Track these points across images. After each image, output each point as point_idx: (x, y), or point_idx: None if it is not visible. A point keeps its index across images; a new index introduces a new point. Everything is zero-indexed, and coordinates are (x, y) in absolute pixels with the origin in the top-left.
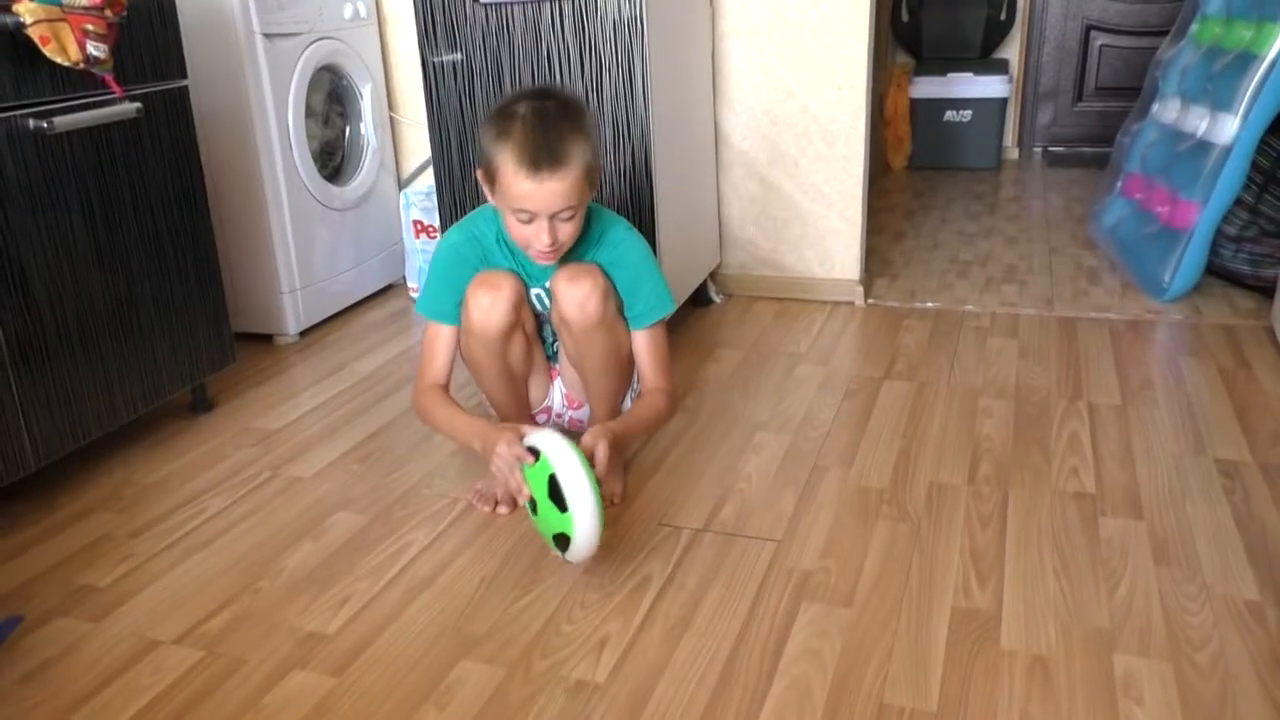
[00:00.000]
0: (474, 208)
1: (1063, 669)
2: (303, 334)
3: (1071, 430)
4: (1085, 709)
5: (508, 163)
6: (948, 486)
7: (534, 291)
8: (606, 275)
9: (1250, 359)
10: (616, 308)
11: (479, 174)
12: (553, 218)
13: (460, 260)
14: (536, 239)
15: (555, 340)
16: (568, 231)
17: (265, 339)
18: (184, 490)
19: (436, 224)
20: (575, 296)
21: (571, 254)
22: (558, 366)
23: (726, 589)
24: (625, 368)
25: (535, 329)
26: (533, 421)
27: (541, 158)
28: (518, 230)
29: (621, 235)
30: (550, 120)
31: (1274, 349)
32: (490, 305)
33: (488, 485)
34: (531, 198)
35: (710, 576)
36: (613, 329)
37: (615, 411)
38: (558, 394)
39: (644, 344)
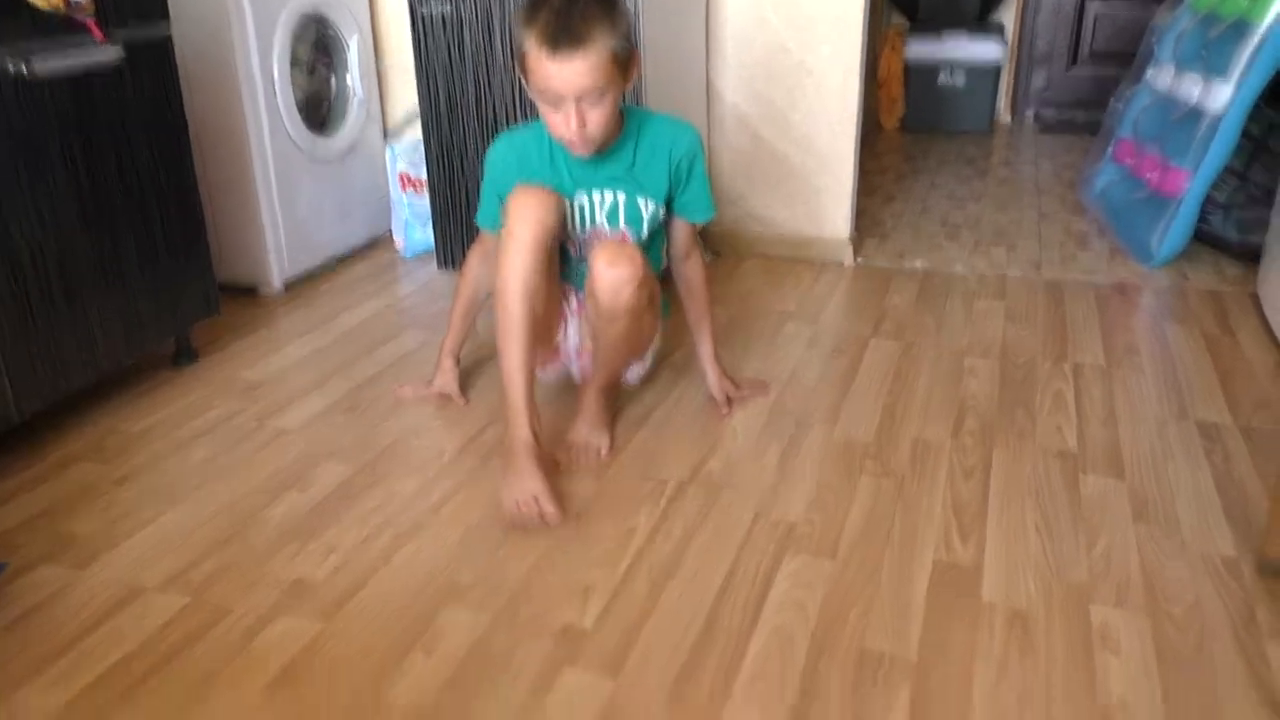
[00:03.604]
0: (461, 160)
1: (1041, 621)
2: (288, 287)
3: (1056, 390)
4: (1063, 659)
5: (531, 45)
6: (932, 443)
7: (577, 201)
8: (646, 260)
9: (1235, 325)
10: (649, 296)
11: (516, 67)
12: (579, 101)
13: (504, 166)
14: (565, 125)
15: (581, 261)
16: (595, 119)
17: (250, 291)
18: (169, 440)
19: (423, 177)
20: (611, 281)
21: (611, 154)
22: (579, 300)
23: (711, 540)
24: (640, 346)
25: (557, 257)
26: (541, 364)
27: (561, 37)
28: (550, 119)
29: (669, 124)
30: (576, 4)
31: (1259, 316)
32: (527, 216)
33: (519, 491)
34: (554, 78)
35: (696, 527)
36: (640, 317)
37: (616, 378)
38: (573, 334)
39: (683, 229)
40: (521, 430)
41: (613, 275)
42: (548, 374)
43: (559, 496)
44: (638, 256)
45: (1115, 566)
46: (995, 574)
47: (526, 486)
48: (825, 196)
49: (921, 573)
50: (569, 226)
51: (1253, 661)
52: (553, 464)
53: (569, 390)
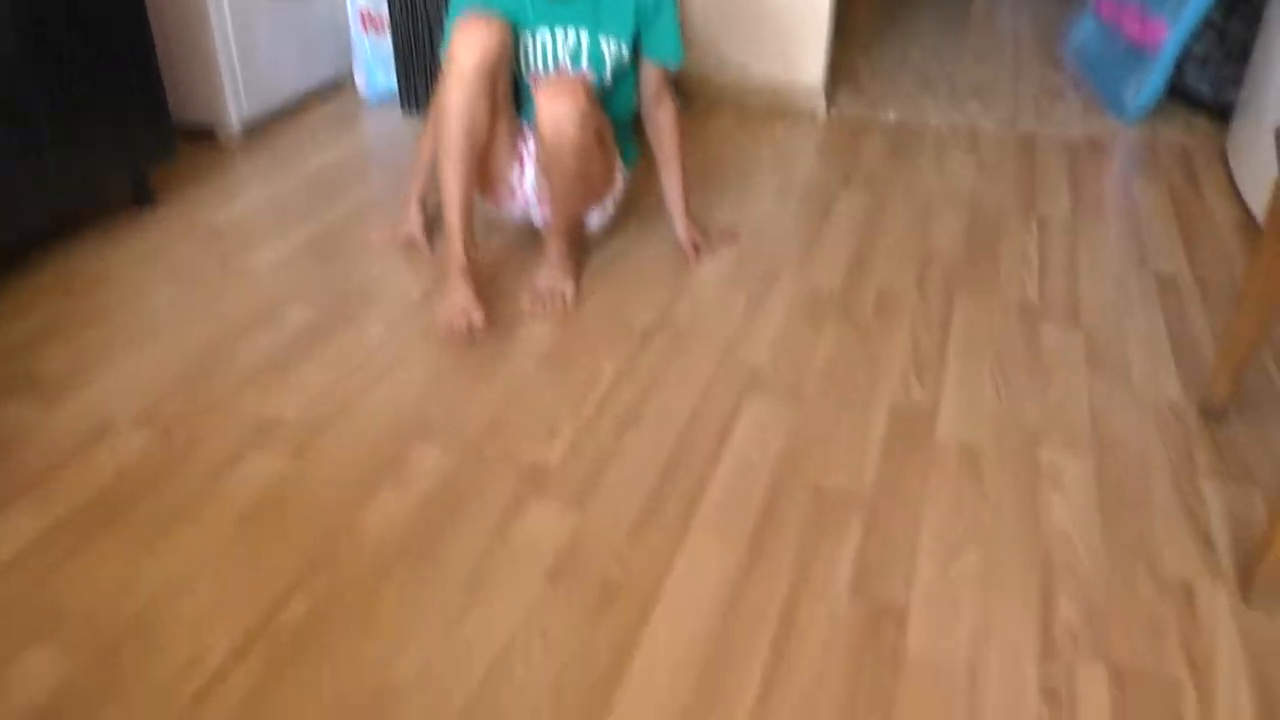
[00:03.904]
0: None
1: (992, 459)
2: (247, 130)
3: (1021, 242)
4: (1010, 495)
5: None
6: (897, 292)
7: (539, 37)
8: (592, 97)
9: (1201, 180)
10: (597, 134)
11: None
12: None
13: None
14: None
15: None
16: None
17: (208, 136)
18: (133, 281)
19: (384, 15)
20: (551, 116)
21: None
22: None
23: (677, 383)
24: (596, 189)
25: (510, 91)
26: (489, 195)
27: None
28: None
29: None
30: None
31: (1225, 172)
32: (470, 42)
33: (447, 304)
34: None
35: (661, 372)
36: (588, 157)
37: (575, 228)
38: (529, 178)
39: (653, 73)
40: (455, 250)
41: (553, 110)
42: (506, 212)
43: (491, 311)
44: (580, 92)
45: (1066, 411)
46: (950, 416)
47: (456, 300)
48: (799, 41)
49: (879, 415)
50: (531, 64)
51: (1188, 498)
52: (488, 281)
53: (534, 239)
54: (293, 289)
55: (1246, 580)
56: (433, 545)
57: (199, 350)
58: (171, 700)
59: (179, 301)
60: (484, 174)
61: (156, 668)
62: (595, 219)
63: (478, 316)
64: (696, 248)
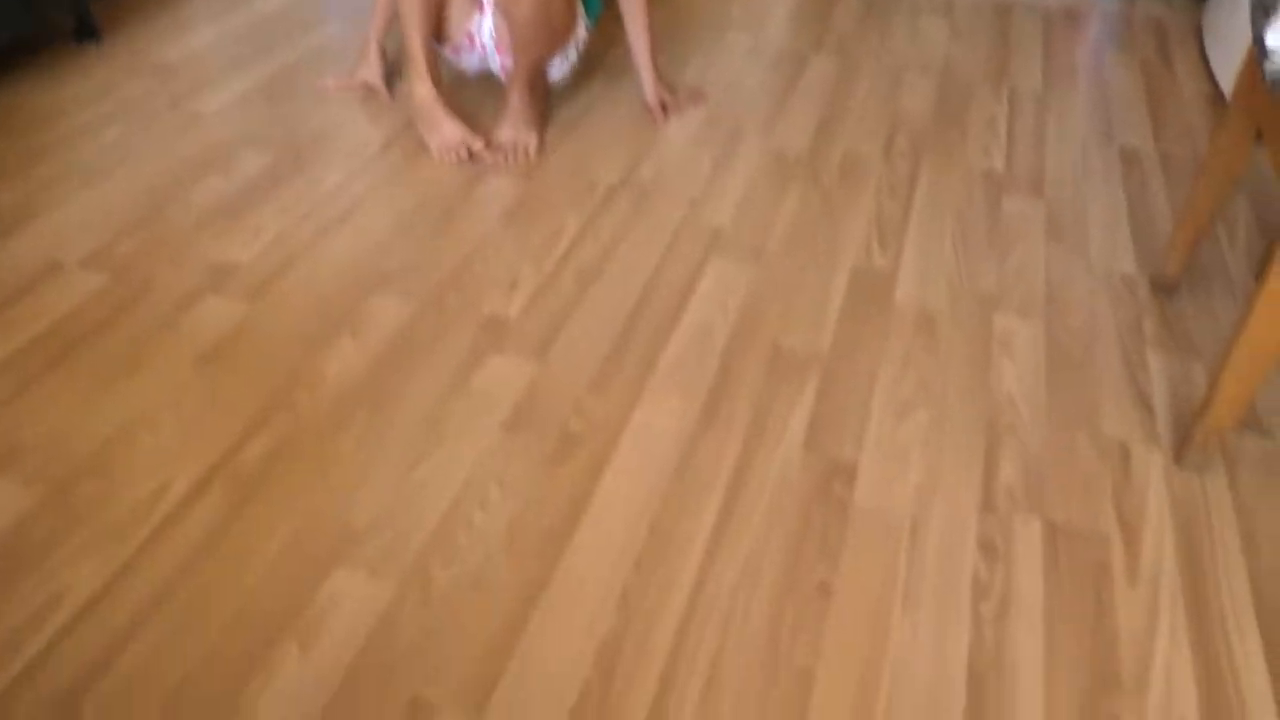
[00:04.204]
0: None
1: (947, 323)
2: None
3: (990, 111)
4: (962, 358)
5: None
6: (863, 157)
7: None
8: None
9: (1174, 55)
10: None
11: None
12: None
13: None
14: None
15: None
16: None
17: None
18: (79, 118)
19: None
20: None
21: None
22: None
23: (639, 241)
24: (556, 35)
25: None
26: (448, 43)
27: None
28: None
29: None
30: None
31: (1198, 47)
32: None
33: (440, 140)
34: None
35: (624, 229)
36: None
37: (536, 76)
38: (487, 27)
39: None
40: (421, 87)
41: None
42: (464, 64)
43: (477, 130)
44: None
45: (1023, 279)
46: (909, 281)
47: (449, 133)
48: None
49: (840, 278)
50: None
51: (1133, 367)
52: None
53: (497, 93)
54: (246, 132)
55: (1182, 443)
56: (391, 393)
57: (150, 191)
58: (130, 534)
59: (128, 141)
60: (442, 22)
61: (116, 503)
62: (557, 68)
63: (478, 145)
64: (664, 106)
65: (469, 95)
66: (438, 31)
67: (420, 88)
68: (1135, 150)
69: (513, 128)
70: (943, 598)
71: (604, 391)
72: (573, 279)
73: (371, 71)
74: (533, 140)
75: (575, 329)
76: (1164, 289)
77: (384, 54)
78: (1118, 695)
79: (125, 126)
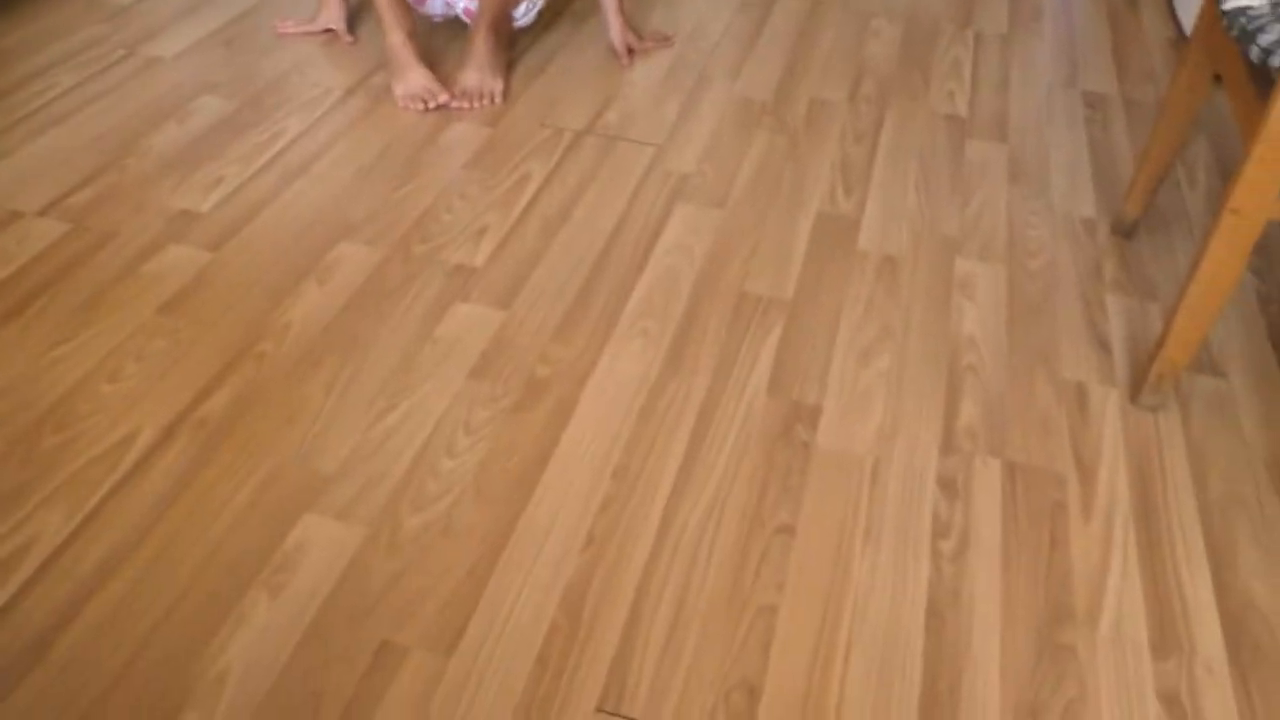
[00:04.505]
0: None
1: (909, 267)
2: None
3: (955, 56)
4: (924, 300)
5: None
6: (828, 102)
7: None
8: None
9: (1140, 1)
10: None
11: None
12: None
13: None
14: None
15: None
16: None
17: None
18: (31, 63)
19: None
20: None
21: None
22: None
23: (605, 188)
24: None
25: None
26: None
27: None
28: None
29: None
30: None
31: None
32: None
33: (407, 87)
34: None
35: (590, 176)
36: None
37: (501, 20)
38: None
39: None
40: (394, 35)
41: None
42: (427, 8)
43: (445, 81)
44: None
45: (984, 223)
46: (872, 226)
47: (411, 84)
48: None
49: (804, 223)
50: None
51: (1091, 308)
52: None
53: (462, 38)
54: (205, 79)
55: (1137, 383)
56: (358, 341)
57: (107, 138)
58: (97, 484)
59: (83, 88)
60: None
61: (81, 452)
62: (522, 12)
63: (444, 98)
64: (630, 50)
65: (435, 43)
66: None
67: (391, 35)
68: (1098, 95)
69: (477, 73)
70: (903, 536)
71: (570, 338)
72: (539, 226)
73: (333, 16)
74: (498, 86)
75: (541, 276)
76: (1124, 232)
77: None
78: (1071, 627)
79: (80, 73)
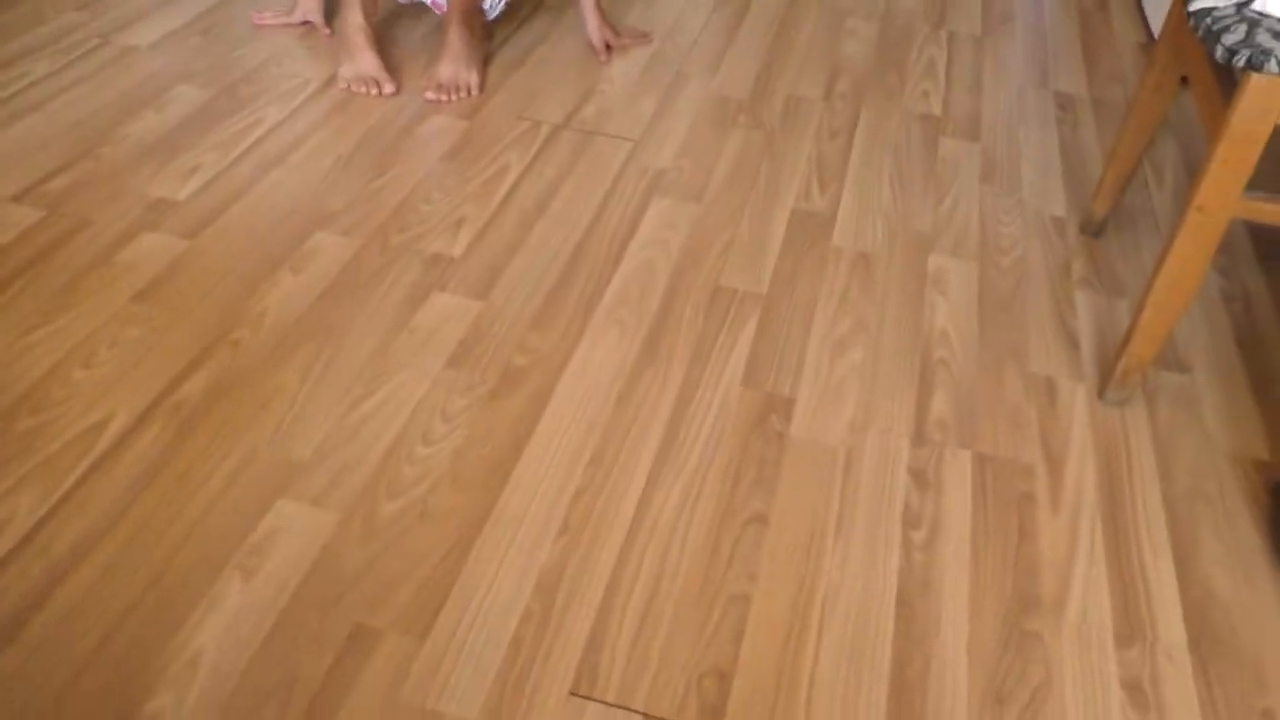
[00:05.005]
0: None
1: (883, 263)
2: None
3: (930, 56)
4: (897, 296)
5: None
6: (804, 100)
7: None
8: None
9: (1110, 3)
10: None
11: None
12: None
13: None
14: None
15: None
16: None
17: None
18: (5, 51)
19: None
20: None
21: None
22: None
23: (582, 181)
24: None
25: None
26: None
27: None
28: None
29: None
30: None
31: None
32: None
33: (353, 71)
34: None
35: (567, 169)
36: None
37: (472, 14)
38: None
39: None
40: (352, 15)
41: None
42: None
43: (394, 71)
44: None
45: (957, 220)
46: (847, 222)
47: (360, 67)
48: None
49: (780, 218)
50: None
51: (1060, 304)
52: (384, 43)
53: (439, 32)
54: (182, 69)
55: (1105, 378)
56: (334, 329)
57: (83, 128)
58: (70, 468)
59: (59, 75)
60: None
61: (54, 437)
62: (489, 2)
63: (389, 89)
64: (608, 46)
65: (410, 32)
66: None
67: (348, 14)
68: (1069, 96)
69: (453, 66)
70: (874, 525)
71: (547, 328)
72: (516, 218)
73: (310, 8)
74: (473, 79)
75: (519, 267)
76: (1092, 230)
77: None
78: (1038, 614)
79: (54, 62)
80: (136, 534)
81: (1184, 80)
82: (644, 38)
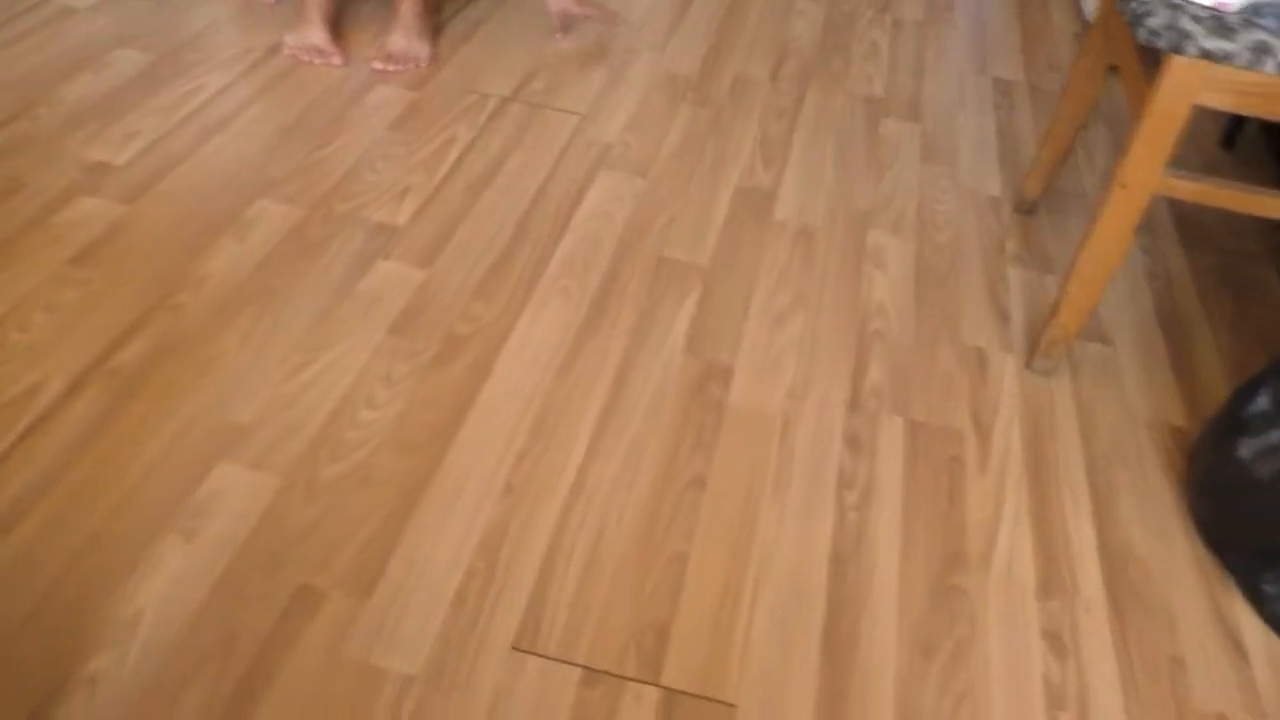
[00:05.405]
0: None
1: (823, 238)
2: None
3: (873, 40)
4: (837, 268)
5: None
6: (751, 80)
7: None
8: None
9: None
10: None
11: None
12: None
13: None
14: None
15: None
16: None
17: None
18: None
19: None
20: None
21: None
22: None
23: (529, 154)
24: None
25: None
26: None
27: None
28: None
29: None
30: None
31: None
32: None
33: (300, 39)
34: None
35: (515, 142)
36: None
37: None
38: None
39: None
40: None
41: None
42: None
43: (342, 41)
44: None
45: (896, 199)
46: (790, 199)
47: (307, 37)
48: None
49: (724, 194)
50: None
51: (993, 280)
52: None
53: (388, 4)
54: (121, 32)
55: (1033, 349)
56: (277, 296)
57: (18, 86)
58: (3, 432)
59: None
60: None
61: None
62: None
63: (336, 60)
64: (567, 16)
65: (357, 7)
66: None
67: None
68: (1007, 81)
69: (404, 38)
70: (809, 488)
71: (491, 297)
72: (462, 188)
73: None
74: (424, 51)
75: (464, 236)
76: (1025, 210)
77: None
78: (964, 571)
79: None
80: (74, 497)
81: (1113, 68)
82: (612, 19)
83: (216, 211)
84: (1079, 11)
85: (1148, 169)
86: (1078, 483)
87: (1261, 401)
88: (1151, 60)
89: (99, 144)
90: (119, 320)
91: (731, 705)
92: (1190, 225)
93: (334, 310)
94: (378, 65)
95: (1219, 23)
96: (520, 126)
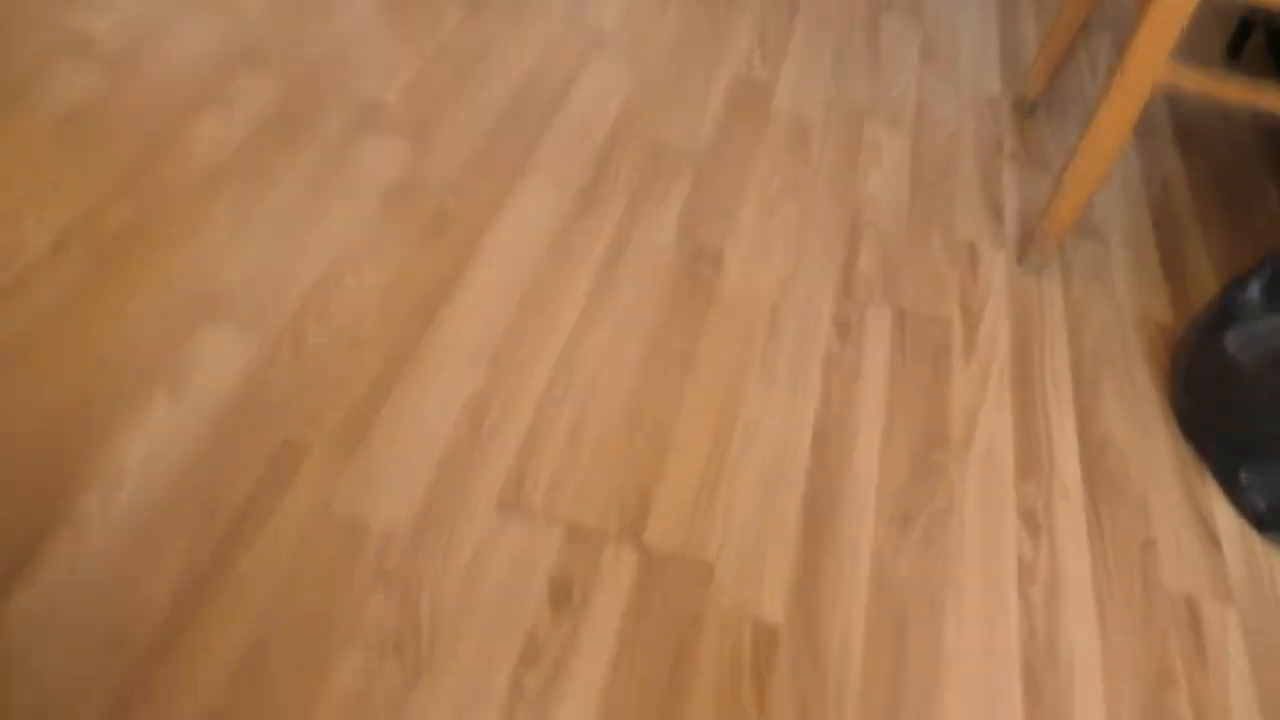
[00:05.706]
0: None
1: (819, 130)
2: None
3: None
4: (831, 160)
5: None
6: None
7: None
8: None
9: None
10: None
11: None
12: None
13: None
14: None
15: None
16: None
17: None
18: None
19: None
20: None
21: None
22: None
23: (524, 36)
24: None
25: None
26: None
27: None
28: None
29: None
30: None
31: None
32: None
33: None
34: None
35: (508, 22)
36: None
37: None
38: None
39: None
40: None
41: None
42: None
43: None
44: None
45: (894, 94)
46: (786, 91)
47: None
48: None
49: (720, 83)
50: None
51: (988, 176)
52: None
53: None
54: None
55: (1024, 246)
56: (263, 167)
57: None
58: None
59: None
60: None
61: None
62: None
63: None
64: None
65: None
66: None
67: None
68: None
69: None
70: (796, 369)
71: (480, 175)
72: (452, 68)
73: None
74: None
75: (454, 115)
76: (1025, 110)
77: None
78: (945, 449)
79: None
80: (55, 354)
81: None
82: None
83: (202, 81)
84: None
85: (1152, 58)
86: (1062, 374)
87: (1253, 291)
88: None
89: (80, 12)
90: (103, 184)
91: (710, 564)
92: (1190, 131)
93: (321, 183)
94: None
95: None
96: (513, 8)
